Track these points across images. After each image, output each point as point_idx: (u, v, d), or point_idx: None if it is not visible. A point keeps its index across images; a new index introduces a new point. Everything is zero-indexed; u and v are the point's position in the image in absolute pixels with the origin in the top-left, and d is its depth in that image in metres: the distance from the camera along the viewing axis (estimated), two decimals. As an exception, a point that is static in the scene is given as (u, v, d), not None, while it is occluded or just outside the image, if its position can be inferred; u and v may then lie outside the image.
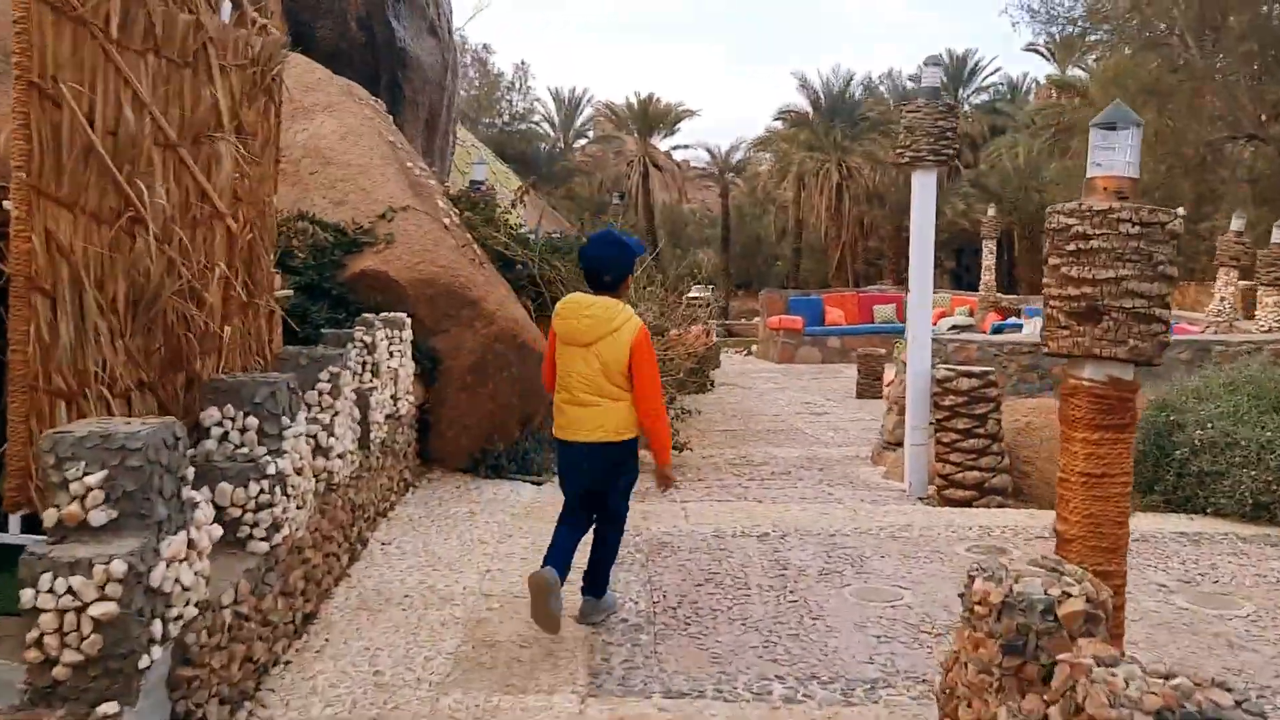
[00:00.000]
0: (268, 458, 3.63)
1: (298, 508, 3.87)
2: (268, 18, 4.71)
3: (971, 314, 17.60)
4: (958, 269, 48.46)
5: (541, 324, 8.39)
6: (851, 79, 47.62)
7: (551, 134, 56.32)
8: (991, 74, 64.25)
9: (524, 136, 50.74)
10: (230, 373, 4.10)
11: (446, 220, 7.67)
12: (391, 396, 5.91)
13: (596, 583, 4.52)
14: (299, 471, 3.84)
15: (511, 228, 8.70)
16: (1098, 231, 2.90)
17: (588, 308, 4.29)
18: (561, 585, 4.23)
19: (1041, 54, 57.25)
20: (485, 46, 47.24)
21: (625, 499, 4.59)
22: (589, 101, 56.90)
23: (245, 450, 3.64)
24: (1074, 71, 54.16)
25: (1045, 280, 3.10)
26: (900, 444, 9.12)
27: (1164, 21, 21.68)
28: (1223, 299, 11.07)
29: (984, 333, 16.49)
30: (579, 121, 57.68)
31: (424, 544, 5.48)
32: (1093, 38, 30.91)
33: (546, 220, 20.05)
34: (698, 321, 14.56)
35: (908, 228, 27.23)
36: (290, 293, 5.90)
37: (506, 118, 50.64)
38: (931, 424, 7.25)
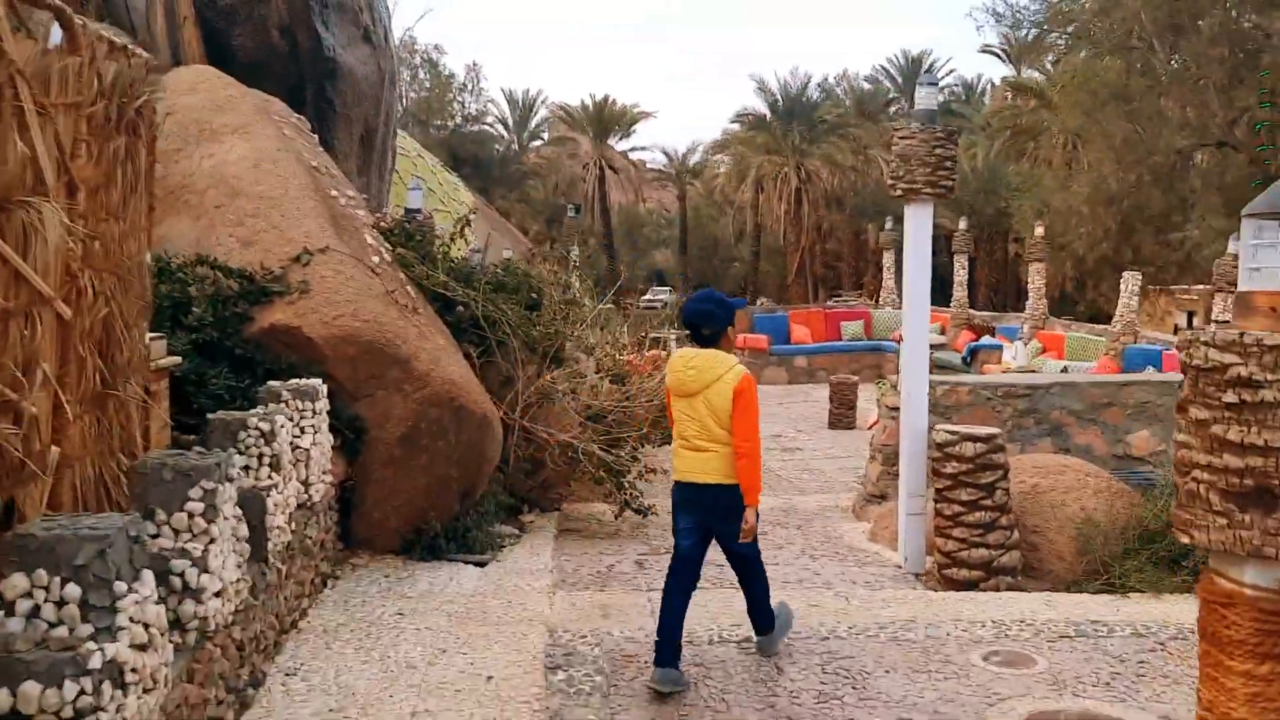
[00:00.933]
0: (93, 643, 2.68)
1: (145, 691, 2.91)
2: (153, 33, 3.73)
3: (943, 331, 16.87)
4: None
5: (488, 371, 7.50)
6: (809, 81, 47.07)
7: (505, 136, 55.23)
8: (946, 75, 64.20)
9: (476, 139, 49.58)
10: (64, 512, 3.13)
11: (377, 258, 6.71)
12: (302, 483, 4.94)
13: (763, 619, 4.89)
14: (145, 647, 2.88)
15: (454, 261, 7.74)
16: (1273, 377, 2.01)
17: (692, 360, 4.60)
18: (679, 662, 4.52)
19: (998, 55, 57.07)
20: (436, 47, 46.03)
21: (751, 546, 4.80)
22: (543, 103, 55.86)
23: (62, 632, 2.68)
24: (1030, 73, 54.11)
25: (1181, 437, 2.20)
26: (884, 497, 8.29)
27: (1132, 25, 21.11)
28: (1215, 322, 10.37)
29: (958, 352, 15.79)
30: (533, 123, 56.68)
31: (336, 672, 4.52)
32: (1055, 40, 30.48)
33: (499, 238, 19.04)
34: (661, 342, 13.71)
35: (866, 231, 26.97)
36: (178, 360, 4.92)
37: (459, 120, 49.37)
38: (926, 493, 6.41)
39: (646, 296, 64.64)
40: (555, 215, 52.98)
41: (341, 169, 9.61)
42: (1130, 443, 8.19)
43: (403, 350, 5.81)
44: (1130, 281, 12.45)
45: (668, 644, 4.50)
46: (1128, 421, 8.19)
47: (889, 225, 18.93)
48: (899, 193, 6.19)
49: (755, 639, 4.93)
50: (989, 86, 61.41)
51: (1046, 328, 14.59)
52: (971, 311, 16.88)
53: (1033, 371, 12.57)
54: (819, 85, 47.56)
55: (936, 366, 15.40)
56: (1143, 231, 21.07)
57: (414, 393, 5.81)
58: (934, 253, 18.74)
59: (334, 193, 7.09)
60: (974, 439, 5.98)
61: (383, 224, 7.32)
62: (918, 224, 6.25)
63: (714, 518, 4.65)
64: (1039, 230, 14.75)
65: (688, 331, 4.71)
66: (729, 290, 64.92)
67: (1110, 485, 6.75)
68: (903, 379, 6.39)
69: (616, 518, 7.50)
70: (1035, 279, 14.70)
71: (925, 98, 6.16)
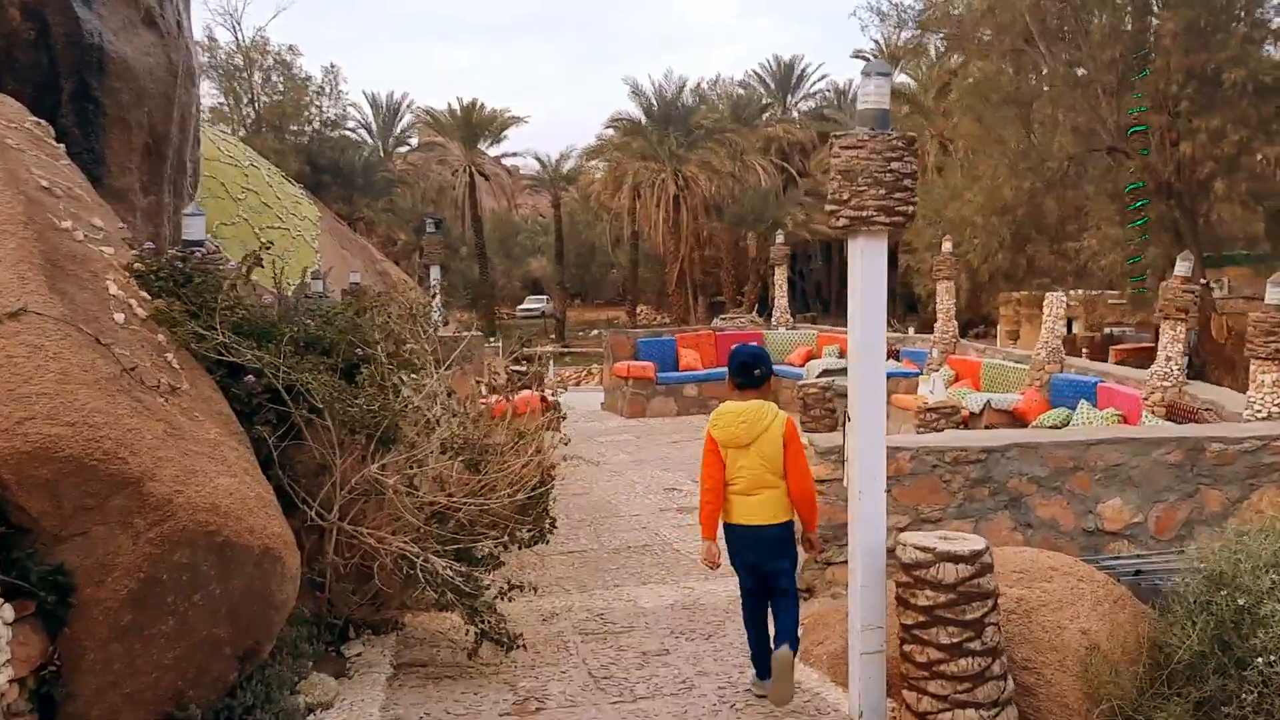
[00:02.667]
0: None
1: None
2: None
3: (842, 354, 15.47)
4: (791, 275, 47.33)
5: (294, 458, 5.62)
6: (684, 85, 45.81)
7: (370, 142, 52.60)
8: (819, 81, 64.12)
9: (337, 145, 46.80)
10: None
11: (122, 314, 4.76)
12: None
13: (782, 631, 5.11)
14: None
15: (246, 309, 5.79)
16: None
17: (741, 414, 5.07)
18: None
19: (868, 60, 57.08)
20: (291, 48, 43.02)
21: (791, 577, 5.27)
22: (409, 107, 53.38)
23: None
24: (903, 79, 54.12)
25: None
26: (811, 591, 6.67)
27: (1020, 26, 20.18)
28: (1169, 358, 9.09)
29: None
30: (399, 128, 54.19)
31: None
32: (932, 43, 29.80)
33: (350, 259, 16.90)
34: (535, 378, 11.95)
35: (745, 238, 25.73)
36: None
37: (317, 125, 46.48)
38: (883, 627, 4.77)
39: (523, 306, 63.04)
40: (424, 224, 50.58)
41: (115, 186, 7.55)
42: (1101, 514, 6.76)
43: (132, 465, 3.89)
44: (1054, 304, 11.19)
45: (761, 658, 5.24)
46: (1097, 489, 6.77)
47: (780, 239, 17.49)
48: (842, 222, 4.54)
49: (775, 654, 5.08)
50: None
51: (958, 353, 13.30)
52: (873, 333, 15.53)
53: (952, 408, 11.20)
54: (693, 91, 46.27)
55: (837, 396, 13.95)
56: (1037, 241, 20.20)
57: (150, 528, 3.89)
58: (810, 259, 17.26)
59: (66, 223, 5.09)
60: (955, 558, 4.37)
61: (139, 265, 5.32)
62: (868, 263, 4.61)
63: (766, 553, 5.15)
64: (946, 245, 13.46)
65: (737, 375, 5.20)
66: (608, 298, 63.62)
67: (1109, 590, 5.23)
68: (852, 474, 4.73)
69: (470, 655, 5.66)
70: (944, 298, 13.39)
71: (874, 93, 4.51)
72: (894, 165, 4.46)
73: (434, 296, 16.10)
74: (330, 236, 18.08)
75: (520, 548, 6.20)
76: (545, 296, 62.22)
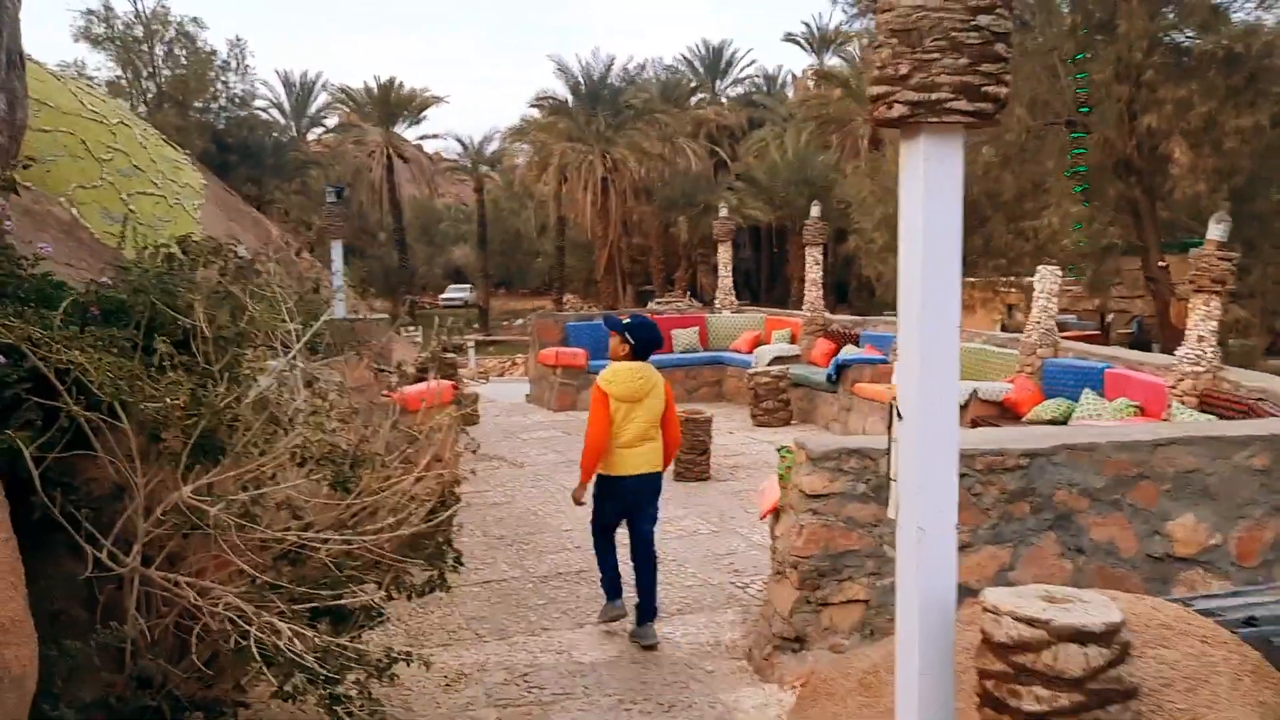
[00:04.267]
0: None
1: None
2: None
3: (794, 340, 13.95)
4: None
5: (79, 479, 3.89)
6: (612, 64, 43.97)
7: (282, 122, 49.94)
8: (748, 66, 62.86)
9: (245, 124, 44.16)
10: None
11: None
12: None
13: (648, 608, 5.71)
14: None
15: (15, 263, 3.99)
16: None
17: (638, 373, 5.68)
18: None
19: (800, 44, 56.16)
20: (195, 20, 40.25)
21: (654, 525, 5.82)
22: (324, 87, 50.78)
23: None
24: (835, 61, 53.03)
25: None
26: (803, 641, 5.06)
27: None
28: (1201, 338, 7.67)
29: (821, 367, 12.87)
30: (313, 108, 51.51)
31: None
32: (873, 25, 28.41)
33: (242, 233, 14.90)
34: (435, 363, 10.27)
35: (677, 223, 23.96)
36: None
37: (223, 101, 43.74)
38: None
39: (445, 294, 60.83)
40: (319, 204, 48.13)
41: None
42: (1171, 535, 5.26)
43: None
44: (1047, 278, 9.74)
45: (614, 582, 5.94)
46: (1165, 502, 5.26)
47: (724, 212, 15.89)
48: (897, 111, 2.90)
49: (634, 627, 5.71)
50: (790, 78, 60.51)
51: (929, 336, 11.83)
52: (829, 316, 13.98)
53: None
54: (622, 70, 44.48)
55: (793, 384, 12.41)
56: (994, 219, 18.89)
57: None
58: (740, 246, 15.75)
59: None
60: (1082, 636, 2.77)
61: None
62: (937, 178, 3.00)
63: (643, 501, 5.76)
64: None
65: (632, 343, 5.74)
66: (533, 287, 61.75)
67: (1244, 658, 3.71)
68: (905, 502, 3.08)
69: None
70: (913, 276, 11.91)
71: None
72: (981, 21, 2.84)
73: (336, 276, 14.19)
74: (217, 207, 16.02)
75: (410, 597, 4.47)
76: (468, 285, 60.17)
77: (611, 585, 5.91)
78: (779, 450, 5.60)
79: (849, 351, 12.46)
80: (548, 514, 8.43)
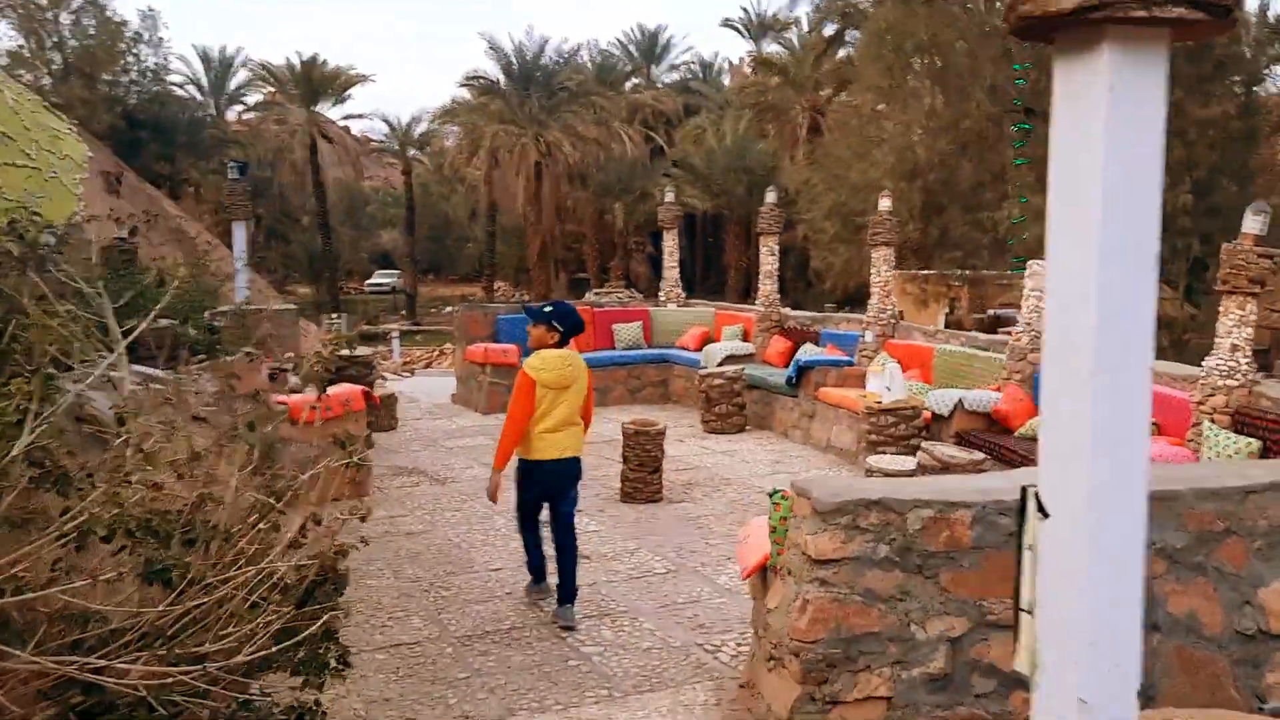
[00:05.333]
0: None
1: None
2: None
3: (747, 337, 12.79)
4: (655, 251, 44.67)
5: None
6: (546, 44, 42.40)
7: (199, 99, 47.61)
8: (684, 51, 61.72)
9: (158, 99, 41.87)
10: None
11: None
12: None
13: (569, 589, 5.76)
14: None
15: None
16: None
17: (566, 360, 5.71)
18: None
19: (738, 30, 55.19)
20: (104, -13, 37.81)
21: (574, 506, 5.91)
22: (244, 63, 48.47)
23: None
24: (773, 48, 52.12)
25: None
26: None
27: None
28: (1235, 346, 6.61)
29: (778, 368, 11.72)
30: (233, 85, 49.10)
31: None
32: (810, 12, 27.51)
33: (135, 213, 13.29)
34: (313, 379, 8.89)
35: (613, 210, 22.75)
36: None
37: (135, 75, 41.34)
38: None
39: (372, 281, 58.84)
40: (259, 188, 46.08)
41: None
42: (1265, 605, 4.15)
43: None
44: (1041, 273, 8.68)
45: (539, 566, 6.08)
46: (1256, 564, 4.16)
47: (669, 197, 14.66)
48: (1071, 1, 1.67)
49: (556, 608, 5.76)
50: (727, 65, 59.51)
51: (899, 336, 10.72)
52: (786, 311, 12.82)
53: (911, 409, 8.58)
54: (557, 51, 42.94)
55: (748, 386, 11.27)
56: (951, 209, 17.95)
57: None
58: (688, 234, 14.46)
59: None
60: None
61: None
62: (1135, 105, 1.78)
63: (565, 484, 5.80)
64: (885, 202, 10.84)
65: (561, 330, 5.77)
66: (463, 273, 60.03)
67: None
68: (1048, 629, 1.88)
69: None
70: (881, 268, 10.80)
71: None
72: None
73: (239, 259, 12.69)
74: (107, 183, 14.38)
75: (319, 683, 3.17)
76: (396, 271, 58.35)
77: (536, 570, 6.06)
78: (770, 495, 4.38)
79: (809, 351, 11.32)
80: (474, 546, 7.14)
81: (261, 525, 3.22)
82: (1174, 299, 24.14)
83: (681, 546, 7.14)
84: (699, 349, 12.86)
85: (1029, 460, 7.57)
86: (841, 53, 39.64)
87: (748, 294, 42.11)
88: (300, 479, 3.43)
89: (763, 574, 4.59)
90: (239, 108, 49.84)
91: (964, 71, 17.12)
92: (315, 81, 47.03)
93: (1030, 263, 8.76)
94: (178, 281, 5.79)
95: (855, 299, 33.60)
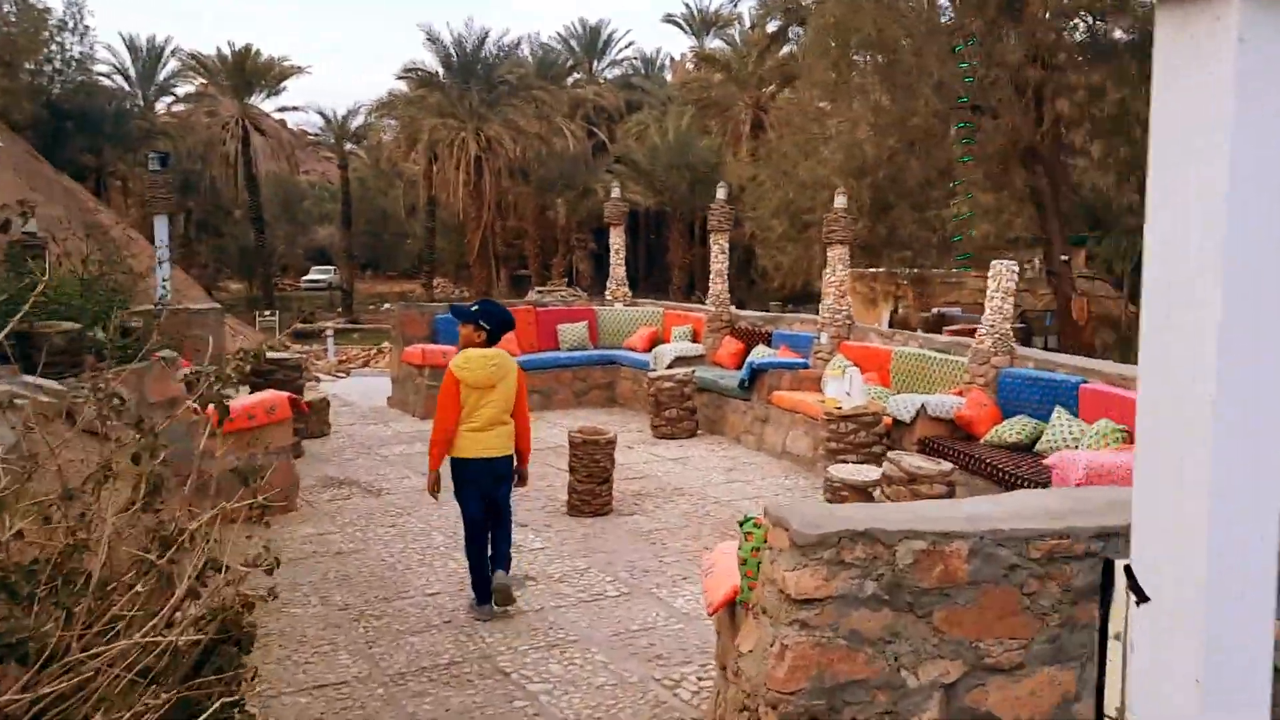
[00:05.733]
0: None
1: None
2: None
3: (696, 338, 12.37)
4: (597, 248, 44.20)
5: None
6: (486, 36, 41.64)
7: (126, 89, 46.12)
8: (625, 47, 61.33)
9: (84, 90, 40.46)
10: None
11: None
12: None
13: (502, 556, 5.89)
14: None
15: None
16: None
17: (491, 359, 5.70)
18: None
19: (680, 25, 54.90)
20: (25, -26, 36.33)
21: (509, 497, 5.95)
22: (174, 53, 47.00)
23: None
24: (716, 44, 51.90)
25: None
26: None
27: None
28: (1213, 353, 6.37)
29: (729, 370, 11.32)
30: (162, 75, 47.59)
31: None
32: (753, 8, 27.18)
33: (48, 206, 12.46)
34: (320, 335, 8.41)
35: (556, 206, 22.75)
36: None
37: (58, 64, 39.85)
38: None
39: (308, 277, 57.55)
40: (189, 182, 44.76)
41: None
42: None
43: None
44: (1004, 274, 8.35)
45: (483, 584, 5.81)
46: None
47: (616, 193, 14.18)
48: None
49: (494, 577, 5.83)
50: (669, 61, 59.21)
51: (855, 338, 10.36)
52: (736, 311, 12.41)
53: (872, 416, 8.21)
54: (497, 44, 42.18)
55: (698, 389, 10.85)
56: (900, 207, 17.69)
57: None
58: (631, 231, 13.95)
59: None
60: None
61: None
62: (1269, 55, 1.34)
63: (496, 482, 5.80)
64: (840, 199, 10.47)
65: (488, 328, 5.77)
66: (402, 270, 59.01)
67: None
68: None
69: None
70: (836, 267, 10.43)
71: None
72: None
73: (161, 253, 11.97)
74: (15, 174, 13.55)
75: None
76: (332, 267, 57.17)
77: (480, 588, 5.87)
78: (741, 523, 3.94)
79: (762, 353, 10.93)
80: (409, 568, 6.61)
81: (147, 578, 2.70)
82: (1118, 298, 24.24)
83: (634, 565, 6.68)
84: (647, 350, 12.41)
85: (998, 471, 7.22)
86: (785, 49, 39.57)
87: (691, 292, 41.79)
88: (200, 517, 2.90)
89: (731, 608, 4.15)
90: (169, 99, 48.36)
91: (911, 68, 16.85)
92: (248, 73, 45.81)
93: (994, 263, 8.43)
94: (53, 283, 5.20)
95: (800, 298, 33.47)
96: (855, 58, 17.59)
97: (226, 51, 45.89)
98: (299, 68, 46.95)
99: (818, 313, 10.78)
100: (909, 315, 25.71)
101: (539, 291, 14.60)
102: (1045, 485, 6.56)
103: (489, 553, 5.87)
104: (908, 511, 3.77)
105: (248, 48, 45.83)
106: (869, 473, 7.32)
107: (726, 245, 12.20)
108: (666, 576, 6.45)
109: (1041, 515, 3.66)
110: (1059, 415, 7.44)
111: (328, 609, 5.85)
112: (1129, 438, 6.86)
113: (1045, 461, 6.63)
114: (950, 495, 6.79)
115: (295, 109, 63.05)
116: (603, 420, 11.47)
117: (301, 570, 6.50)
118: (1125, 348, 21.21)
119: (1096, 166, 16.96)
